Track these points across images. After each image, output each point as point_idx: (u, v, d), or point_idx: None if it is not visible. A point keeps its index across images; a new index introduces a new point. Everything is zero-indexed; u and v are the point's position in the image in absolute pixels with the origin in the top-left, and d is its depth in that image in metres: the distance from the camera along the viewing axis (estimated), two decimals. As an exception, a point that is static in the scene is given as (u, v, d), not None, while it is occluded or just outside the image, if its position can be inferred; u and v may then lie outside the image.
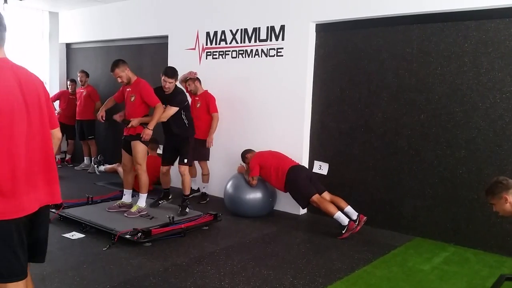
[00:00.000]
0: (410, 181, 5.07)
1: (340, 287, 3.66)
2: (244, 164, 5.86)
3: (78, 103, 8.26)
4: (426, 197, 4.96)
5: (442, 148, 4.84)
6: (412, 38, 4.98)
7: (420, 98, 4.96)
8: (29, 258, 2.23)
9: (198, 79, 6.34)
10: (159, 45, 7.46)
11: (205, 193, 6.45)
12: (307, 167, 5.74)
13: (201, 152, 6.35)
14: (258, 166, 5.51)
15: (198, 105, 6.30)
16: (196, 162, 6.49)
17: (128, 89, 5.11)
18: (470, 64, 4.65)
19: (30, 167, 2.12)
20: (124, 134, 4.78)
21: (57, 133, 2.39)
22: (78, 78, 8.32)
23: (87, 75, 8.29)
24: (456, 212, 4.78)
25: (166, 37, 7.23)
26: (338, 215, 4.90)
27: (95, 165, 8.08)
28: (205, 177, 6.46)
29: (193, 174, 6.59)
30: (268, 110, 6.05)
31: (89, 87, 8.27)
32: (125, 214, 5.06)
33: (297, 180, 5.28)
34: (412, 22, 4.96)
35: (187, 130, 5.40)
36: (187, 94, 6.14)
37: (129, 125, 5.01)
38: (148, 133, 5.03)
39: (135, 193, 5.46)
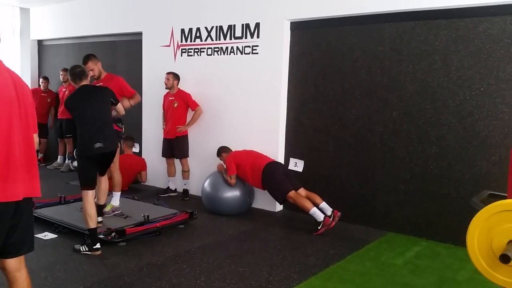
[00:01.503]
0: (383, 177, 5.15)
1: (315, 282, 3.70)
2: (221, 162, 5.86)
3: (61, 102, 8.12)
4: (399, 193, 5.05)
5: (413, 144, 4.94)
6: (384, 37, 5.06)
7: (392, 95, 5.05)
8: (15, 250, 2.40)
9: (177, 77, 6.31)
10: (133, 42, 7.38)
11: (187, 190, 6.44)
12: (283, 164, 5.77)
13: (181, 149, 6.34)
14: (234, 165, 5.52)
15: (176, 104, 6.27)
16: (177, 161, 6.47)
17: (99, 84, 5.05)
18: (440, 62, 4.75)
19: (20, 158, 2.29)
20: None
21: (36, 138, 2.50)
22: (61, 77, 8.17)
23: None
24: (428, 207, 4.88)
25: (140, 33, 7.15)
26: (314, 210, 4.95)
27: (69, 160, 8.05)
28: (186, 173, 6.45)
29: (172, 174, 6.56)
30: (244, 108, 6.06)
31: (71, 85, 8.11)
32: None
33: (273, 176, 5.31)
34: (385, 21, 5.03)
35: None
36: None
37: None
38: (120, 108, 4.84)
39: (109, 192, 5.38)
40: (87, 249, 4.12)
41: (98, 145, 4.14)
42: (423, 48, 4.83)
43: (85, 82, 4.35)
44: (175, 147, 6.35)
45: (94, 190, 4.27)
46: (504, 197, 3.01)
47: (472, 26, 4.56)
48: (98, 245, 4.12)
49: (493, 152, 4.51)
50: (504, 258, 2.23)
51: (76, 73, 4.30)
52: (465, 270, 3.98)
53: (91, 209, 4.10)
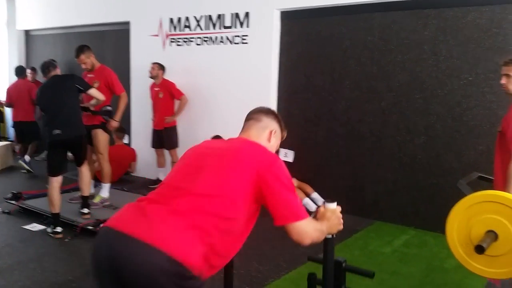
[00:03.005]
0: (372, 167, 5.18)
1: (304, 271, 3.70)
2: None
3: None
4: (387, 182, 5.08)
5: (402, 134, 4.96)
6: (374, 26, 5.05)
7: (381, 85, 5.05)
8: None
9: (163, 67, 6.27)
10: (121, 31, 7.30)
11: None
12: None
13: (170, 140, 6.31)
14: None
15: (161, 95, 6.24)
16: (166, 151, 6.45)
17: (90, 75, 4.99)
18: (429, 52, 4.76)
19: None
20: (85, 123, 4.66)
21: None
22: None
23: None
24: (416, 197, 4.92)
25: (127, 23, 7.08)
26: (306, 201, 4.97)
27: None
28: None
29: (161, 164, 6.54)
30: (234, 98, 6.04)
31: None
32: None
33: None
34: (374, 10, 5.03)
35: None
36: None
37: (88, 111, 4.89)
38: (114, 125, 5.03)
39: (98, 183, 5.36)
40: (50, 231, 4.33)
41: (56, 131, 4.21)
42: (412, 38, 4.84)
43: (54, 73, 4.50)
44: (164, 138, 6.32)
45: (59, 178, 4.32)
46: (492, 181, 3.05)
47: (461, 16, 4.57)
48: (58, 229, 4.28)
49: (481, 142, 4.54)
50: (479, 249, 2.27)
51: (42, 67, 4.54)
52: (452, 259, 3.96)
53: (53, 195, 4.25)
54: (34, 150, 7.40)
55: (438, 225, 4.68)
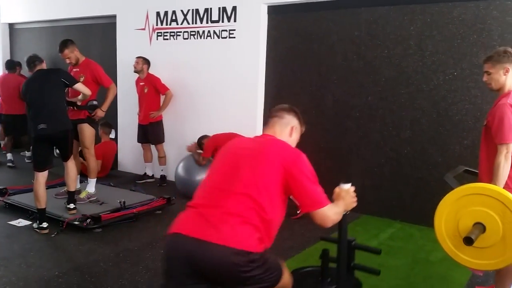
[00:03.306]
0: (358, 161, 5.22)
1: (291, 264, 3.72)
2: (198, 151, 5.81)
3: None
4: (373, 176, 5.13)
5: (388, 129, 5.00)
6: (360, 21, 5.08)
7: (367, 80, 5.09)
8: None
9: (148, 62, 6.23)
10: (107, 25, 7.22)
11: (164, 175, 6.40)
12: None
13: (155, 135, 6.29)
14: (212, 148, 5.48)
15: (146, 90, 6.20)
16: (153, 146, 6.42)
17: (75, 70, 4.94)
18: (415, 47, 4.80)
19: None
20: (70, 118, 4.62)
21: None
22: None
23: None
24: (402, 190, 4.98)
25: (114, 16, 7.00)
26: None
27: None
28: (162, 159, 6.40)
29: (148, 159, 6.51)
30: (221, 92, 6.03)
31: None
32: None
33: None
34: (360, 5, 5.05)
35: None
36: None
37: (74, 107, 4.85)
38: (100, 114, 4.95)
39: (84, 178, 5.32)
40: (36, 227, 4.29)
41: (41, 126, 4.18)
42: (398, 33, 4.87)
43: (40, 67, 4.47)
44: (149, 133, 6.29)
45: (44, 173, 4.28)
46: (477, 174, 3.10)
47: (447, 11, 4.61)
48: (44, 224, 4.24)
49: (466, 136, 4.60)
50: (467, 241, 2.31)
51: (28, 61, 4.50)
52: (437, 251, 4.07)
53: (39, 190, 4.22)
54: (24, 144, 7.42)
55: (423, 219, 4.76)
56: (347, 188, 2.17)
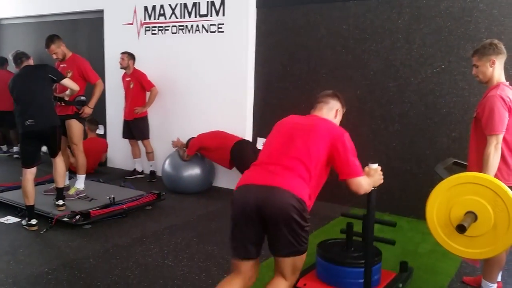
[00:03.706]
0: (348, 154, 5.23)
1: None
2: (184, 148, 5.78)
3: None
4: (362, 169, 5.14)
5: (377, 122, 5.03)
6: (349, 15, 5.08)
7: (356, 74, 5.10)
8: None
9: (133, 57, 6.18)
10: (95, 20, 7.15)
11: (154, 171, 6.38)
12: (252, 142, 5.77)
13: (139, 131, 6.26)
14: (197, 148, 5.49)
15: (132, 85, 6.17)
16: (139, 142, 6.39)
17: (62, 65, 4.90)
18: (403, 40, 4.82)
19: None
20: (58, 114, 4.58)
21: None
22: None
23: None
24: (390, 183, 4.96)
25: (101, 11, 6.94)
26: None
27: None
28: (150, 155, 6.38)
29: (136, 155, 6.49)
30: (210, 87, 6.01)
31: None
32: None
33: (242, 155, 5.29)
34: (349, -1, 5.06)
35: None
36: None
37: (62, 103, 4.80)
38: (88, 112, 4.92)
39: (73, 175, 5.29)
40: (25, 224, 4.28)
41: (29, 122, 4.16)
42: (387, 26, 4.89)
43: (26, 63, 4.44)
44: (134, 128, 6.25)
45: (33, 169, 4.26)
46: (466, 166, 3.14)
47: (434, 4, 4.63)
48: (33, 221, 4.23)
49: (454, 128, 4.64)
50: (460, 228, 2.33)
51: (15, 58, 4.47)
52: (426, 243, 4.12)
53: (27, 187, 4.18)
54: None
55: (412, 211, 4.81)
56: (375, 168, 2.55)
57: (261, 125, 5.84)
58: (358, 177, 2.34)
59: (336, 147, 2.31)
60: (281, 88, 5.65)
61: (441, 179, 2.67)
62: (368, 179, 2.45)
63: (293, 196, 2.16)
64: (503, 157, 2.74)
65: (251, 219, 2.22)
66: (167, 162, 5.73)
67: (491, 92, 2.78)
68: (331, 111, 2.60)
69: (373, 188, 2.54)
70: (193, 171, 5.56)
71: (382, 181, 2.57)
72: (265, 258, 3.73)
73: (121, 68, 6.19)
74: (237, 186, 2.35)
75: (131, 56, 6.18)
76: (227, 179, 5.76)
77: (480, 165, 2.75)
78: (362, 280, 2.73)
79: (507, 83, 2.86)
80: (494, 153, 2.68)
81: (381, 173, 2.58)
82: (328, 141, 2.32)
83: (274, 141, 2.43)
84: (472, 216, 2.37)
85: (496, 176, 2.69)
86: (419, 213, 4.85)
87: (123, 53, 6.17)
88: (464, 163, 3.27)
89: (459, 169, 3.32)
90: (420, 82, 4.77)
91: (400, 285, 3.14)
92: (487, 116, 2.72)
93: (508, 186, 2.36)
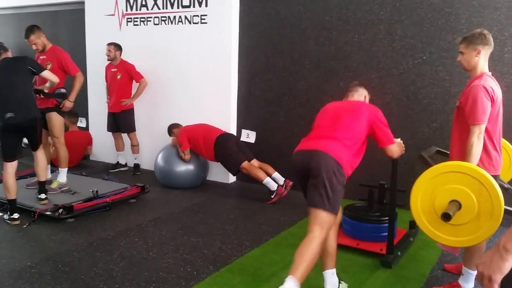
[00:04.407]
0: (332, 145, 5.27)
1: (267, 248, 3.80)
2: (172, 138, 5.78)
3: None
4: (347, 160, 5.19)
5: (360, 113, 5.06)
6: (332, 6, 5.10)
7: (339, 65, 5.13)
8: None
9: (119, 47, 6.12)
10: (75, 11, 7.05)
11: (138, 164, 6.34)
12: (235, 135, 5.78)
13: (127, 123, 6.20)
14: (187, 139, 5.47)
15: (119, 76, 6.09)
16: (125, 135, 6.34)
17: (42, 57, 4.83)
18: (385, 32, 4.86)
19: None
20: (38, 106, 4.51)
21: None
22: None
23: None
24: (373, 174, 5.05)
25: (82, 2, 6.83)
26: (267, 180, 5.03)
27: None
28: (135, 148, 6.33)
29: (120, 148, 6.43)
30: (194, 79, 5.98)
31: None
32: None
33: (225, 148, 5.31)
34: (332, -10, 5.06)
35: None
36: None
37: (41, 95, 4.74)
38: (68, 105, 4.86)
39: (55, 168, 5.23)
40: (7, 218, 4.23)
41: (9, 115, 4.11)
42: (369, 18, 4.91)
43: (4, 55, 4.39)
44: (121, 121, 6.19)
45: (14, 163, 4.21)
46: (448, 155, 3.19)
47: (415, -4, 4.67)
48: (15, 215, 4.19)
49: (435, 119, 4.71)
50: (445, 217, 2.37)
51: None
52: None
53: (8, 181, 4.13)
54: None
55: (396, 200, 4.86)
56: (399, 141, 3.05)
57: (246, 116, 5.85)
58: (393, 144, 2.93)
59: (375, 121, 2.85)
60: (264, 79, 5.65)
61: (424, 167, 2.71)
62: (397, 147, 2.99)
63: (330, 157, 2.63)
64: (484, 147, 2.78)
65: (303, 174, 2.76)
66: (159, 156, 5.65)
67: (475, 82, 2.81)
68: (361, 97, 3.14)
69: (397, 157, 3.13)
70: (186, 165, 5.51)
71: (404, 151, 3.09)
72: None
73: (108, 60, 6.11)
74: (294, 152, 2.90)
75: (118, 47, 6.10)
76: (221, 172, 5.74)
77: (462, 155, 2.79)
78: (382, 234, 3.60)
79: (490, 73, 2.90)
80: (477, 142, 2.71)
81: (403, 145, 3.09)
82: (368, 117, 2.84)
83: (322, 120, 2.97)
84: (456, 204, 2.41)
85: (477, 165, 2.74)
86: (400, 202, 4.93)
87: (109, 44, 6.09)
88: (447, 152, 3.32)
89: (441, 158, 3.37)
90: (401, 73, 4.82)
91: (411, 238, 3.93)
92: (470, 106, 2.75)
93: None
